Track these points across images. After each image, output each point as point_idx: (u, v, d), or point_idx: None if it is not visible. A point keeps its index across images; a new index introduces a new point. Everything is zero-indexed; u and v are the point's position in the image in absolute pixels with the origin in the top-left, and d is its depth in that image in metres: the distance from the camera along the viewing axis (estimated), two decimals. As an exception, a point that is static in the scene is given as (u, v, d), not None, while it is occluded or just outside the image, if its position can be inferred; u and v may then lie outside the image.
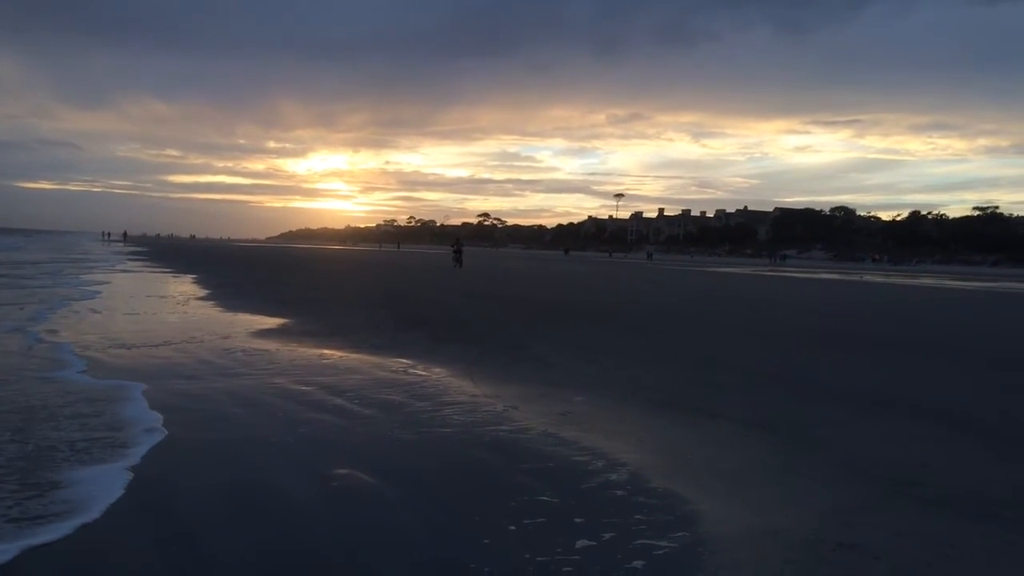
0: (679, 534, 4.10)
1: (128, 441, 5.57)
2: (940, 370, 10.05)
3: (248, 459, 5.33)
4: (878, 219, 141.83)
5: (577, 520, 4.26)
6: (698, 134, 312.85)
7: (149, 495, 4.54)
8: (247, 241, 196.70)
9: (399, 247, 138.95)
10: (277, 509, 4.38)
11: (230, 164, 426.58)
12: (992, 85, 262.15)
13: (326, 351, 10.19)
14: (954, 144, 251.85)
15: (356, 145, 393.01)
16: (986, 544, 4.04)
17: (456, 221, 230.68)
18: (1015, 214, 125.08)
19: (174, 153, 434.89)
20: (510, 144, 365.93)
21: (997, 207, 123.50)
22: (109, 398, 6.93)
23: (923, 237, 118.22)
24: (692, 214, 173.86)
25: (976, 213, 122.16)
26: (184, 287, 22.23)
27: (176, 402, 6.90)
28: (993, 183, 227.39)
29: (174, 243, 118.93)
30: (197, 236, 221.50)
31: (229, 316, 14.48)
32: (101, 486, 4.58)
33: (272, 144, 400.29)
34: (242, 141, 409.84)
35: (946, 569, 3.70)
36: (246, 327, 12.63)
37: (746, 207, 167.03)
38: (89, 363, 8.78)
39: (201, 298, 18.46)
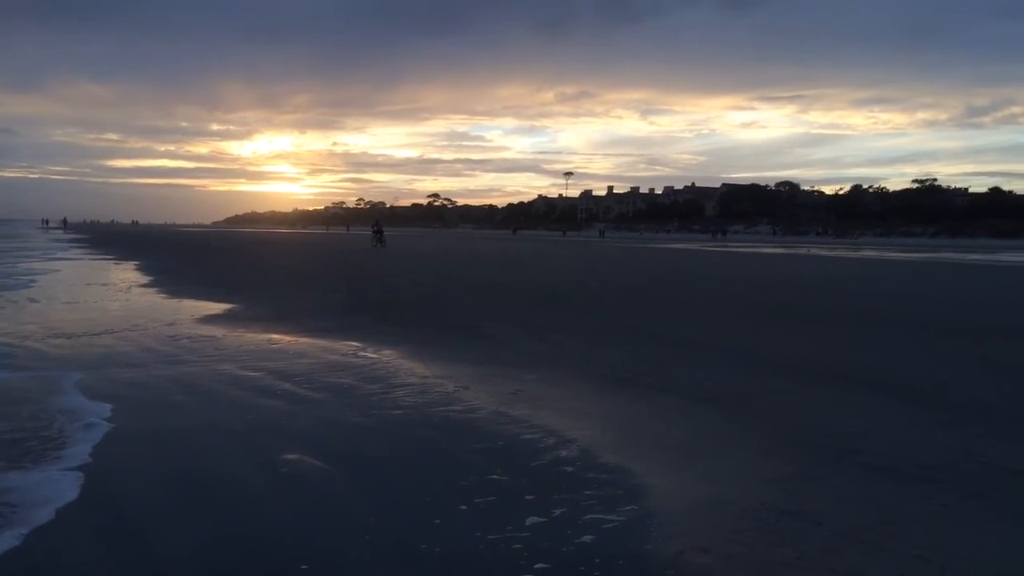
0: (628, 508, 4.15)
1: (66, 436, 5.41)
2: (880, 340, 10.31)
3: (196, 447, 5.25)
4: (822, 193, 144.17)
5: (528, 497, 4.29)
6: (646, 111, 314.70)
7: (94, 489, 4.43)
8: (192, 226, 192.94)
9: (348, 229, 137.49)
10: (227, 497, 4.33)
11: (172, 147, 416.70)
12: (930, 59, 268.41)
13: (274, 336, 10.07)
14: (894, 118, 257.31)
15: (302, 126, 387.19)
16: (923, 508, 4.17)
17: (406, 202, 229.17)
18: (952, 186, 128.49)
19: (113, 137, 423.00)
20: (459, 123, 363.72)
21: (935, 179, 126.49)
22: (45, 390, 6.76)
23: (865, 210, 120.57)
24: (641, 191, 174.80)
25: (915, 186, 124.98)
26: (126, 274, 21.77)
27: (119, 391, 6.76)
28: (932, 156, 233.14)
29: (116, 229, 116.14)
30: (140, 222, 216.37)
31: (174, 302, 14.22)
32: (41, 486, 4.44)
33: (215, 126, 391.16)
34: (184, 124, 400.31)
35: (885, 532, 3.81)
36: (191, 313, 12.42)
37: (694, 183, 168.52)
38: (26, 354, 8.56)
39: (144, 285, 18.10)
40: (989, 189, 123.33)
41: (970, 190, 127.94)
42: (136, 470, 4.78)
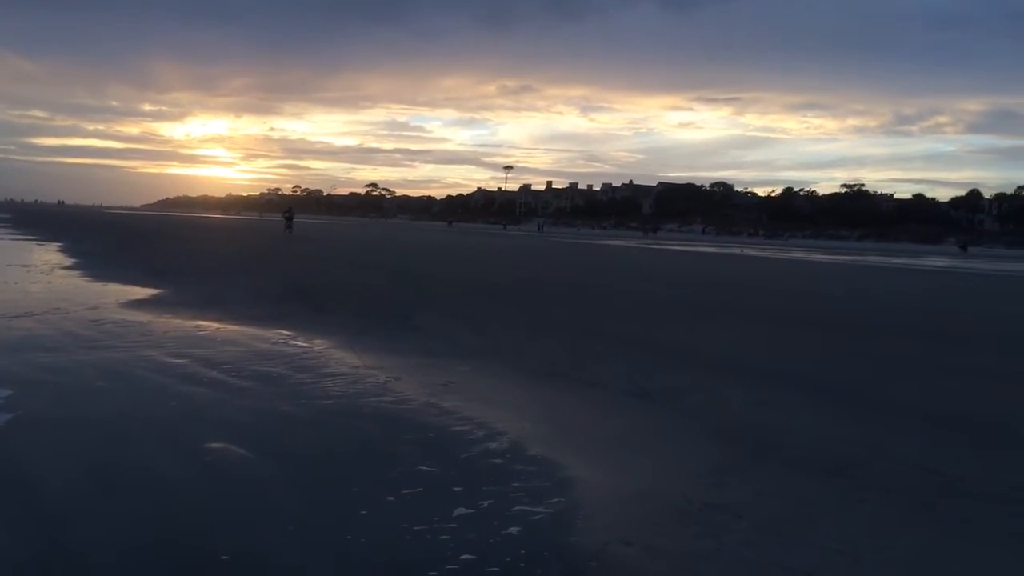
0: (555, 500, 4.19)
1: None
2: (804, 339, 10.59)
3: (116, 436, 5.11)
4: (755, 195, 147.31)
5: (456, 489, 4.29)
6: (586, 108, 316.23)
7: None
8: (120, 208, 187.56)
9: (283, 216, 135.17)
10: (148, 489, 4.22)
11: (101, 127, 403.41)
12: (862, 68, 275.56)
13: (202, 322, 9.85)
14: (826, 124, 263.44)
15: (238, 110, 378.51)
16: (839, 502, 4.30)
17: (344, 190, 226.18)
18: (879, 191, 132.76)
19: (40, 114, 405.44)
20: (399, 113, 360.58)
21: (863, 184, 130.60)
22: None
23: (795, 212, 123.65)
24: (580, 187, 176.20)
25: (844, 190, 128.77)
26: (49, 256, 21.05)
27: (35, 376, 6.54)
28: (860, 162, 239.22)
29: (40, 209, 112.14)
30: (66, 202, 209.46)
31: (98, 286, 13.80)
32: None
33: (147, 107, 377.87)
34: (114, 103, 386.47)
35: (802, 525, 3.93)
36: (116, 297, 12.08)
37: (631, 181, 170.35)
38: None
39: (68, 267, 17.53)
40: (913, 195, 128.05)
41: (895, 196, 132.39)
42: (52, 458, 4.62)
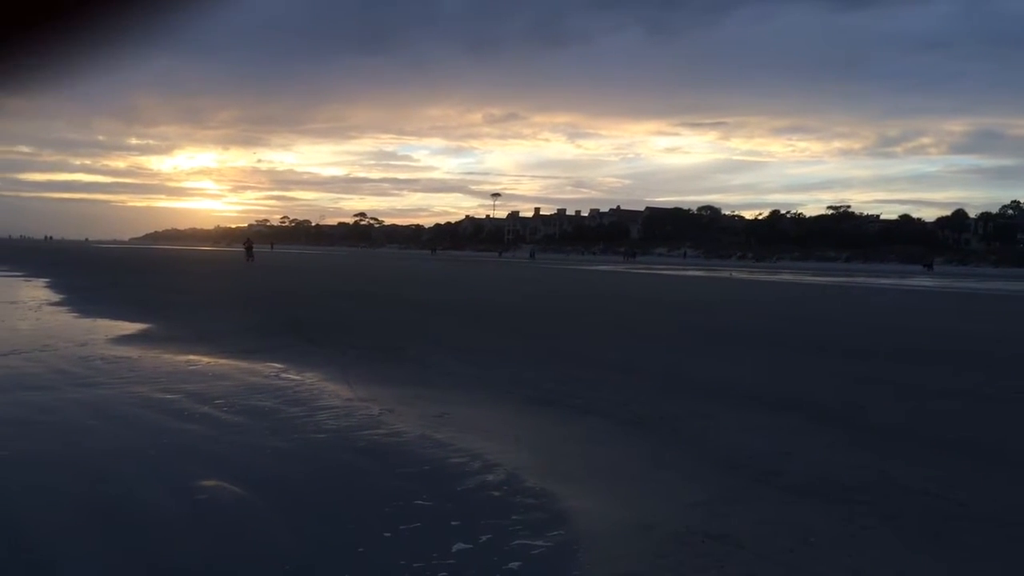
0: (555, 532, 4.12)
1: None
2: (800, 362, 10.57)
3: (106, 474, 5.01)
4: (742, 218, 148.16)
5: (453, 523, 4.22)
6: (573, 134, 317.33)
7: (-8, 518, 4.19)
8: (109, 242, 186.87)
9: (272, 247, 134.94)
10: (139, 528, 4.13)
11: (88, 161, 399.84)
12: (847, 90, 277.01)
13: (192, 357, 9.76)
14: (811, 146, 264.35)
15: (225, 143, 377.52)
16: (843, 530, 4.25)
17: (332, 221, 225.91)
18: (865, 212, 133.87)
19: (26, 149, 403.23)
20: (386, 143, 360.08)
21: (849, 206, 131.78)
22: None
23: (782, 235, 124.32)
24: (567, 213, 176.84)
25: (830, 212, 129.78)
26: (36, 292, 20.90)
27: (24, 415, 6.44)
28: (846, 184, 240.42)
29: (27, 244, 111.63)
30: (53, 237, 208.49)
31: (87, 322, 13.69)
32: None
33: (134, 140, 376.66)
34: (101, 137, 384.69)
35: (806, 554, 3.87)
36: (105, 333, 11.97)
37: (619, 206, 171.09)
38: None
39: (55, 303, 17.39)
40: (899, 216, 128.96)
41: (882, 216, 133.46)
42: (42, 497, 4.53)
